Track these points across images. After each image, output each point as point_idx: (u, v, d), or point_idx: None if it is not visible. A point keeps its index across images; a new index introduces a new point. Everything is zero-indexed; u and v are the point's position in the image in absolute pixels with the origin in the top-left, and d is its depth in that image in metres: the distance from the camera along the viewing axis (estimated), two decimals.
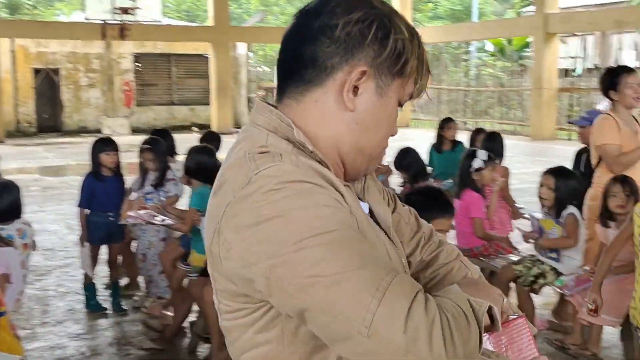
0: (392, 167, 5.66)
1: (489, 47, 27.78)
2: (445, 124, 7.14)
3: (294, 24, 1.23)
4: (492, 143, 5.83)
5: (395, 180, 6.11)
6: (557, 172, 4.38)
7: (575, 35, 22.56)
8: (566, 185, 4.29)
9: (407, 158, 5.52)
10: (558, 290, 4.33)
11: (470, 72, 25.96)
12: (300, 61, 1.20)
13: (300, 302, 1.04)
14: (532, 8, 22.24)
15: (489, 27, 21.47)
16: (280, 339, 1.13)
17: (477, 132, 6.80)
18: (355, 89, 1.18)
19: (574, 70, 23.51)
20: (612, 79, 4.46)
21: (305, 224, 1.04)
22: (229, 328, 1.19)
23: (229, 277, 1.13)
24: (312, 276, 1.02)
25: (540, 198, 4.41)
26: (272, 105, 1.23)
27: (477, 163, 4.93)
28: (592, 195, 4.44)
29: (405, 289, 1.02)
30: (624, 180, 3.98)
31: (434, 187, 3.38)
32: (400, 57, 1.19)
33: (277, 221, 1.04)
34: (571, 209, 4.32)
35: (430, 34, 22.76)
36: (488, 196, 5.01)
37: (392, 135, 1.26)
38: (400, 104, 1.24)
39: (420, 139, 10.88)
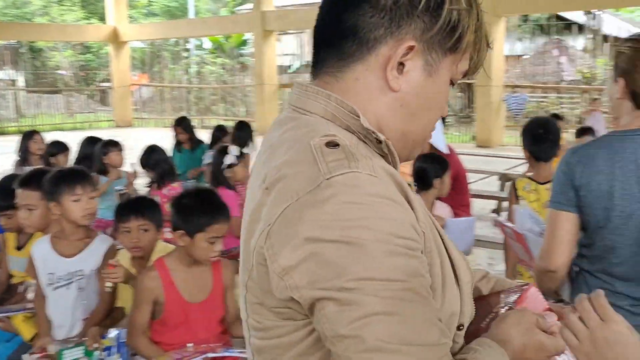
0: (138, 168, 5.27)
1: (207, 44, 27.93)
2: (180, 123, 7.01)
3: None
4: (241, 132, 6.06)
5: (141, 181, 5.64)
6: None
7: (290, 33, 23.62)
8: None
9: (153, 156, 5.14)
10: None
11: (191, 69, 25.90)
12: (340, 30, 1.01)
13: (333, 347, 0.88)
14: (248, 6, 22.83)
15: (209, 24, 21.50)
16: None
17: (219, 129, 6.84)
18: (401, 66, 1.00)
19: (289, 67, 24.64)
20: None
21: (377, 261, 0.86)
22: (261, 348, 0.99)
23: (268, 289, 0.92)
24: (354, 335, 0.85)
25: None
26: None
27: (229, 159, 4.76)
28: None
29: None
30: None
31: (207, 189, 3.06)
32: (455, 30, 1.00)
33: (347, 247, 0.86)
34: None
35: (147, 30, 22.31)
36: (242, 193, 4.83)
37: (443, 117, 1.11)
38: (453, 83, 1.06)
39: (149, 139, 10.38)
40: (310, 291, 0.87)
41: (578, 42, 18.74)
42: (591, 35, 17.24)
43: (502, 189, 8.35)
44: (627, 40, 2.00)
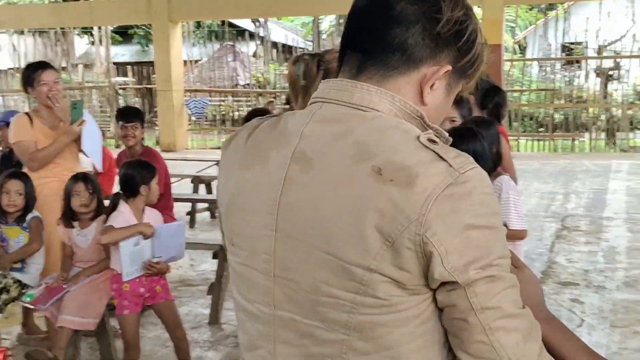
0: None
1: None
2: None
3: None
4: None
5: None
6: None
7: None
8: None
9: None
10: (30, 306, 3.92)
11: None
12: (387, 44, 1.15)
13: (472, 317, 1.06)
14: None
15: (96, 11, 17.61)
16: (432, 332, 1.12)
17: None
18: (432, 84, 1.16)
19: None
20: (28, 75, 4.38)
21: (504, 242, 1.09)
22: (375, 323, 1.09)
23: (411, 269, 1.05)
24: (497, 305, 1.06)
25: (4, 206, 4.03)
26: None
27: None
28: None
29: (537, 334, 1.11)
30: (85, 178, 3.86)
31: None
32: (476, 62, 1.19)
33: (490, 232, 1.06)
34: (35, 213, 4.06)
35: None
36: None
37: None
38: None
39: None
40: (467, 273, 1.04)
41: (250, 48, 19.86)
42: (260, 42, 18.38)
43: (195, 191, 8.54)
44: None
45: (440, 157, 1.06)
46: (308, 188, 1.11)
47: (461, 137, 2.77)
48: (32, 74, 4.33)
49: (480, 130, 3.04)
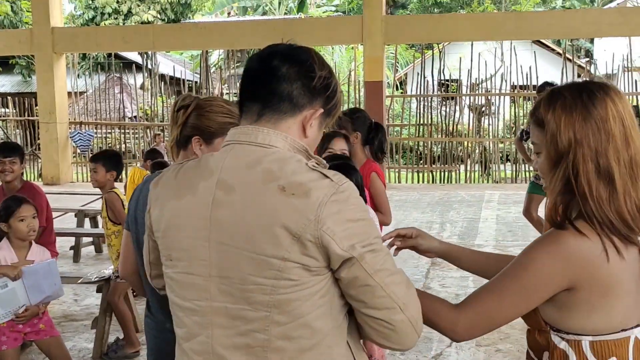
0: None
1: None
2: None
3: (268, 63, 1.58)
4: None
5: None
6: None
7: None
8: None
9: None
10: None
11: None
12: (277, 96, 1.57)
13: (370, 280, 1.48)
14: None
15: None
16: (330, 302, 1.53)
17: None
18: (311, 122, 1.61)
19: None
20: None
21: (375, 227, 1.55)
22: (290, 299, 1.48)
23: (314, 256, 1.46)
24: (384, 268, 1.50)
25: None
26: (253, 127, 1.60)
27: None
28: None
29: (411, 283, 1.57)
30: None
31: None
32: (337, 105, 1.66)
33: (365, 222, 1.51)
34: None
35: None
36: None
37: None
38: None
39: None
40: (356, 250, 1.46)
41: (137, 80, 19.66)
42: (148, 75, 18.24)
43: (79, 225, 8.42)
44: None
45: (325, 175, 1.50)
46: (232, 206, 1.51)
47: (339, 168, 3.18)
48: None
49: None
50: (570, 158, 1.62)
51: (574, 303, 1.62)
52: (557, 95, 1.69)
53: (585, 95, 1.66)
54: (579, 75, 16.71)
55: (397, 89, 19.22)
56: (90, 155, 16.15)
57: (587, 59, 24.31)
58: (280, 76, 1.56)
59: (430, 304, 1.66)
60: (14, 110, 17.93)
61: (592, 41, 24.67)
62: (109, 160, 4.99)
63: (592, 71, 16.72)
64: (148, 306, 2.47)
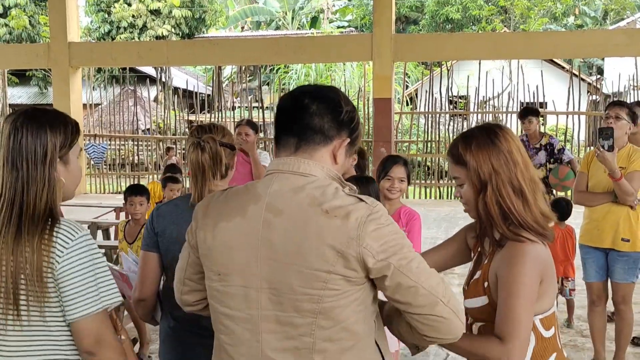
0: None
1: None
2: None
3: (300, 102, 1.84)
4: None
5: None
6: None
7: None
8: None
9: None
10: None
11: None
12: (310, 129, 1.82)
13: (411, 282, 1.72)
14: None
15: None
16: (366, 309, 1.79)
17: None
18: (339, 151, 1.86)
19: None
20: None
21: (406, 240, 1.78)
22: (334, 306, 1.73)
23: (354, 268, 1.70)
24: (419, 271, 1.74)
25: None
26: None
27: None
28: None
29: (443, 281, 1.80)
30: None
31: None
32: (359, 135, 1.92)
33: (398, 237, 1.75)
34: None
35: None
36: None
37: None
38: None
39: None
40: (394, 260, 1.71)
41: (151, 93, 20.03)
42: (161, 88, 18.53)
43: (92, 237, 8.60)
44: None
45: (361, 199, 1.75)
46: (281, 227, 1.75)
47: (358, 179, 3.80)
48: None
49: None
50: (493, 184, 2.10)
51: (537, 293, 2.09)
52: (470, 137, 2.17)
53: (493, 135, 2.15)
54: (588, 92, 16.84)
55: (407, 104, 19.46)
56: (101, 165, 16.49)
57: (598, 77, 24.50)
58: (312, 112, 1.82)
59: (480, 343, 2.09)
60: None
61: (603, 58, 24.80)
62: (148, 193, 5.60)
63: (602, 89, 16.87)
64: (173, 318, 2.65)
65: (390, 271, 1.71)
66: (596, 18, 30.74)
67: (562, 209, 5.86)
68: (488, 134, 2.16)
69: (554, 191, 7.48)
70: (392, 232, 1.74)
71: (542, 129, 9.33)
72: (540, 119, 8.34)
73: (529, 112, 7.40)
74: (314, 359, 1.74)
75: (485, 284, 2.16)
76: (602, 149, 4.33)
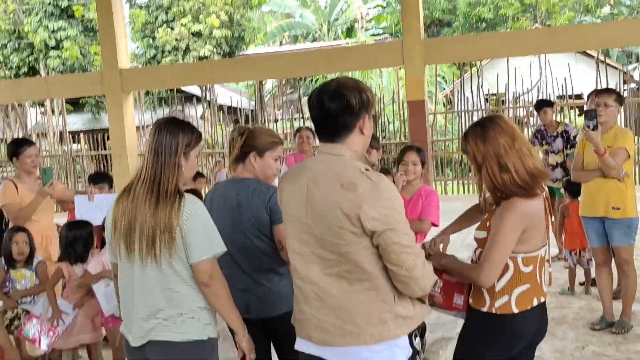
0: None
1: None
2: None
3: (326, 111, 2.46)
4: None
5: None
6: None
7: None
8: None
9: None
10: (29, 342, 4.79)
11: None
12: (337, 130, 2.48)
13: (388, 247, 2.36)
14: None
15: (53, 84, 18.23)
16: (372, 254, 2.44)
17: None
18: (365, 125, 2.50)
19: None
20: (14, 149, 5.47)
21: (401, 214, 2.39)
22: (348, 251, 2.41)
23: (356, 225, 2.35)
24: (398, 242, 2.37)
25: (14, 255, 4.98)
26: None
27: None
28: None
29: (423, 256, 2.48)
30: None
31: None
32: (373, 105, 2.54)
33: (395, 209, 2.37)
34: (40, 258, 5.09)
35: None
36: None
37: None
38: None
39: None
40: (380, 227, 2.33)
41: (198, 112, 20.92)
42: (207, 106, 19.33)
43: None
44: None
45: (369, 177, 2.37)
46: (317, 193, 2.44)
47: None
48: (18, 148, 5.44)
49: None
50: (487, 166, 2.85)
51: (520, 239, 2.81)
52: (467, 132, 2.94)
53: (482, 127, 2.90)
54: (624, 81, 17.09)
55: (443, 105, 20.00)
56: None
57: (636, 65, 24.51)
58: (334, 115, 2.46)
59: (463, 267, 2.96)
60: (86, 146, 19.46)
61: None
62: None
63: (636, 77, 17.00)
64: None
65: (376, 235, 2.34)
66: (632, 7, 30.59)
67: (578, 187, 6.43)
68: (481, 127, 2.89)
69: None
70: (387, 205, 2.34)
71: (558, 118, 9.81)
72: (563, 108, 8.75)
73: (543, 104, 7.99)
74: (342, 283, 2.46)
75: (487, 224, 2.92)
76: (587, 129, 4.97)
